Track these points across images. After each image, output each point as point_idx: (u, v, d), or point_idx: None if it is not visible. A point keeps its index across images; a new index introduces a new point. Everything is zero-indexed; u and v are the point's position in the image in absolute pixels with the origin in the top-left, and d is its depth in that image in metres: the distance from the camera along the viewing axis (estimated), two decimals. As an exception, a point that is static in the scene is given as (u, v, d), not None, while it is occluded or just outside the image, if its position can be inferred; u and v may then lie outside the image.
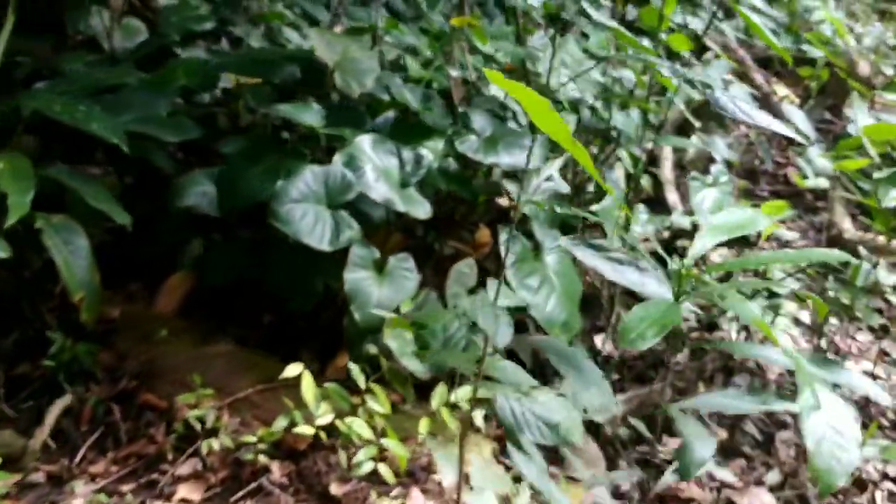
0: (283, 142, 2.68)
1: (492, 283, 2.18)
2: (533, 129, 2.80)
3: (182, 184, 2.56)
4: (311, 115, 2.41)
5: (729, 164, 4.17)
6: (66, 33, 4.17)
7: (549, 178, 1.38)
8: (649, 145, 2.95)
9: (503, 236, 1.98)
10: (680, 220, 3.20)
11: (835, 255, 1.54)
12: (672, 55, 3.17)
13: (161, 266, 2.99)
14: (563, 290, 2.19)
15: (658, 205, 3.57)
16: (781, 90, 4.80)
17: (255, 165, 2.34)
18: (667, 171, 3.81)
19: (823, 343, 2.77)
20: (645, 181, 3.64)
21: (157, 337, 2.63)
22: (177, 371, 2.50)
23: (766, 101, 4.72)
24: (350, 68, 2.67)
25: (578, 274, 2.34)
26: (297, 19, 4.14)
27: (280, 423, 2.07)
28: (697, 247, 0.96)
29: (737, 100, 1.31)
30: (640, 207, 3.19)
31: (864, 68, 4.66)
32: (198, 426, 2.21)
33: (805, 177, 3.59)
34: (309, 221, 2.13)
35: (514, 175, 2.59)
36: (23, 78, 3.91)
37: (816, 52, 5.16)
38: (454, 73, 3.46)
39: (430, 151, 2.49)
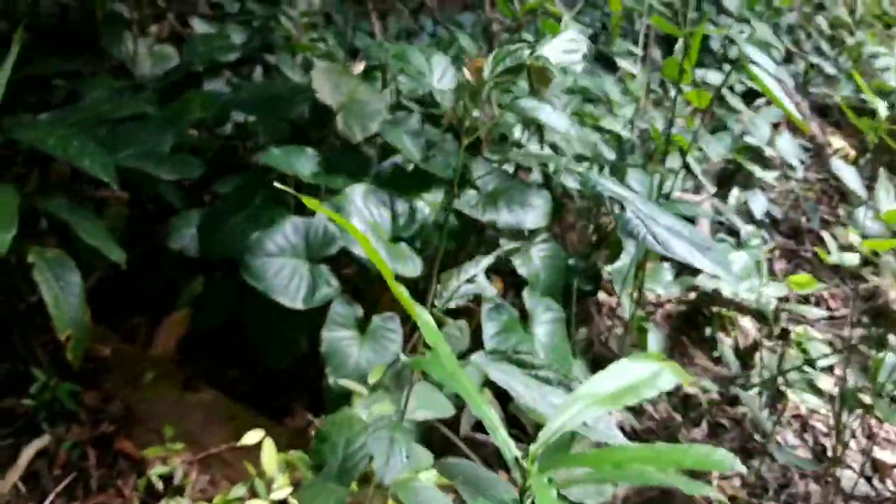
0: (282, 182, 2.58)
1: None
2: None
3: (175, 224, 2.50)
4: (302, 163, 2.31)
5: (772, 220, 3.93)
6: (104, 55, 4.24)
7: (470, 280, 1.22)
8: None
9: (486, 305, 1.83)
10: (706, 283, 2.99)
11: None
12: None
13: (164, 301, 2.95)
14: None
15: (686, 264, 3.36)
16: (837, 142, 4.52)
17: (239, 211, 2.25)
18: (703, 227, 3.59)
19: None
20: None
21: (144, 380, 2.57)
22: (157, 418, 2.42)
23: (819, 153, 4.45)
24: (355, 111, 2.57)
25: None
26: (333, 47, 4.09)
27: (237, 491, 1.95)
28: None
29: (657, 221, 1.11)
30: (665, 266, 2.99)
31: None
32: (162, 484, 2.12)
33: (828, 252, 3.31)
34: (284, 277, 2.03)
35: (519, 233, 2.44)
36: (58, 102, 3.98)
37: (880, 104, 4.86)
38: (475, 113, 3.34)
39: (428, 204, 2.37)
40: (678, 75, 2.35)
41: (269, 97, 2.79)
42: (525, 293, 2.15)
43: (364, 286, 2.52)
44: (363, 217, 2.22)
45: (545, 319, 2.13)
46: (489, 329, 1.98)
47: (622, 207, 1.02)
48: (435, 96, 2.54)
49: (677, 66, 2.37)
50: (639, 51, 3.08)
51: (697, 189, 3.89)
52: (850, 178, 3.61)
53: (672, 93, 2.66)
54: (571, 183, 1.92)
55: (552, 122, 1.79)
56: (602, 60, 5.09)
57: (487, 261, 1.33)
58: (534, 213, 2.34)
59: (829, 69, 5.46)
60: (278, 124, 2.87)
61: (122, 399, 2.54)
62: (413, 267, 2.20)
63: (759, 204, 3.49)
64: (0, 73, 2.51)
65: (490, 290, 1.87)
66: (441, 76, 2.25)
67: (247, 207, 2.28)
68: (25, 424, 2.51)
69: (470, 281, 1.29)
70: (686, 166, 3.38)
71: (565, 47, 1.75)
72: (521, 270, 2.27)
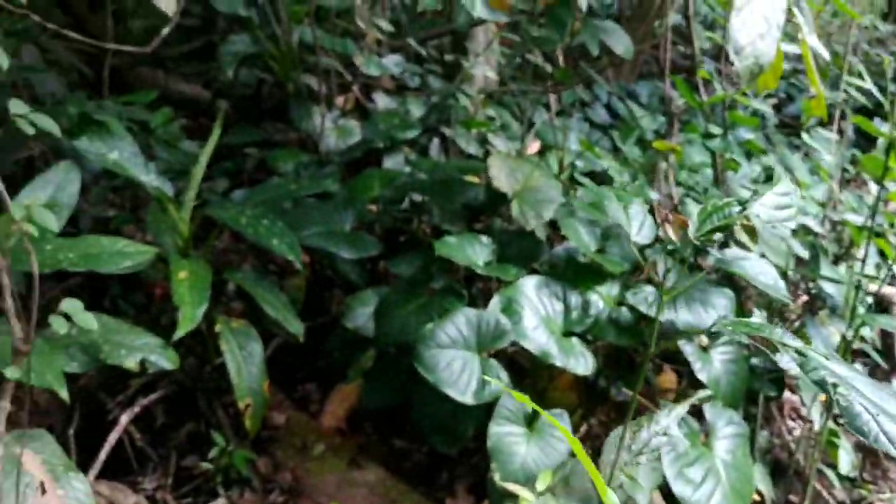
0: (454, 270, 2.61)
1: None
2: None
3: (351, 304, 2.57)
4: (476, 252, 2.32)
5: None
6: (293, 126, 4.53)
7: (663, 433, 1.13)
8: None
9: (663, 418, 1.73)
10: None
11: None
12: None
13: (336, 371, 3.05)
14: (732, 487, 1.87)
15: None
16: None
17: (412, 300, 2.29)
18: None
19: None
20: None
21: (313, 451, 2.65)
22: (323, 492, 2.48)
23: None
24: (530, 198, 2.56)
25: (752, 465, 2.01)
26: (506, 129, 4.14)
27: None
28: None
29: (891, 414, 0.94)
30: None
31: None
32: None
33: None
34: (455, 369, 2.02)
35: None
36: (250, 168, 4.28)
37: None
38: (654, 195, 3.25)
39: (602, 297, 2.30)
40: (881, 173, 2.17)
41: (445, 180, 2.84)
42: (706, 407, 2.01)
43: (531, 371, 2.48)
44: (535, 310, 2.18)
45: (727, 434, 1.98)
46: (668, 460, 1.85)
47: (837, 387, 0.91)
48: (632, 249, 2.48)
49: (880, 163, 2.19)
50: (832, 135, 2.88)
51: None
52: None
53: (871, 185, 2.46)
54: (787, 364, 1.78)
55: (756, 275, 1.69)
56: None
57: (680, 411, 1.25)
58: (716, 314, 2.21)
59: None
60: (452, 205, 2.91)
61: (292, 469, 2.62)
62: (585, 364, 2.14)
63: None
64: (202, 152, 2.72)
65: (682, 443, 1.75)
66: (639, 228, 2.20)
67: (421, 295, 2.32)
68: (203, 486, 2.66)
69: (662, 433, 1.21)
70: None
71: (777, 202, 1.65)
72: (701, 375, 2.14)
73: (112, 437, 2.65)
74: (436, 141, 4.07)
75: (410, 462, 2.86)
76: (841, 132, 3.04)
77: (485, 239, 2.39)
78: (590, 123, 4.85)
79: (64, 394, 1.89)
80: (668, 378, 2.90)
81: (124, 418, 2.67)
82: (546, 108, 4.86)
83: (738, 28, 1.52)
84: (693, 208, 3.21)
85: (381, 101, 4.29)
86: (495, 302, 2.17)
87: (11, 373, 1.52)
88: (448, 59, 4.31)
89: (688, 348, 2.19)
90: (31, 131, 1.49)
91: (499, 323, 2.10)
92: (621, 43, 2.44)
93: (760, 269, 1.70)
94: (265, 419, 2.68)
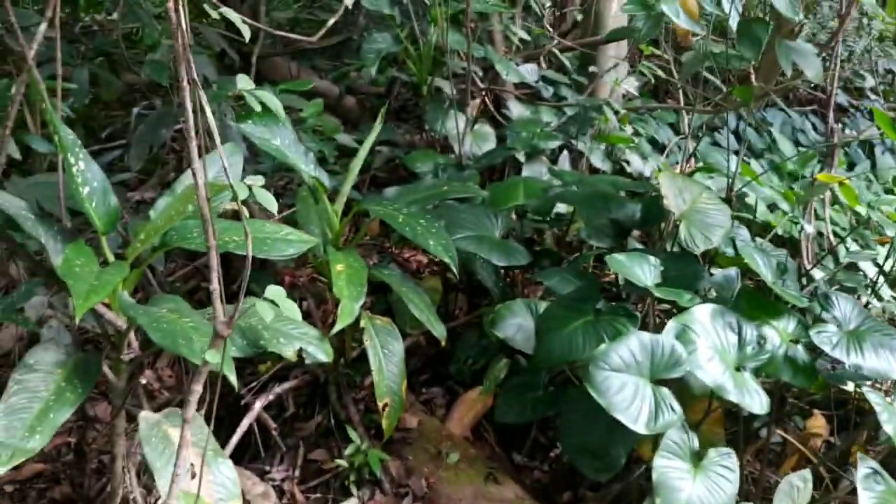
0: (606, 289, 2.52)
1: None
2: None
3: (501, 312, 2.50)
4: (645, 271, 2.21)
5: None
6: (423, 127, 4.51)
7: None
8: None
9: (862, 471, 1.59)
10: None
11: None
12: None
13: (468, 376, 2.99)
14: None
15: None
16: None
17: (576, 317, 2.20)
18: None
19: None
20: None
21: (447, 459, 2.58)
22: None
23: None
24: (697, 220, 2.45)
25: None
26: (639, 143, 4.03)
27: None
28: None
29: None
30: None
31: None
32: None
33: None
34: (627, 396, 1.92)
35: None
36: (379, 166, 4.28)
37: None
38: (808, 227, 3.09)
39: (777, 333, 2.17)
40: None
41: (600, 195, 2.75)
42: (904, 461, 1.87)
43: (685, 402, 2.36)
44: (711, 340, 2.07)
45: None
46: (865, 499, 1.73)
47: None
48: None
49: None
50: None
51: None
52: None
53: None
54: None
55: None
56: None
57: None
58: (904, 361, 2.06)
59: None
60: (601, 220, 2.81)
61: (426, 476, 2.56)
62: (760, 403, 2.01)
63: None
64: (362, 147, 2.70)
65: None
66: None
67: (586, 312, 2.23)
68: (332, 482, 2.62)
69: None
70: None
71: None
72: (888, 427, 1.99)
73: (245, 423, 2.65)
74: (565, 153, 3.99)
75: (530, 479, 2.78)
76: None
77: (653, 259, 2.28)
78: (717, 146, 4.70)
79: (233, 378, 1.87)
80: (818, 423, 2.74)
81: (258, 404, 2.66)
82: (675, 131, 4.73)
83: None
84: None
85: (516, 109, 4.23)
86: (671, 328, 2.06)
87: (211, 356, 1.50)
88: (591, 69, 4.20)
89: (873, 397, 2.04)
90: (257, 108, 1.47)
91: (674, 350, 2.00)
92: (813, 66, 2.31)
93: None
94: (398, 421, 2.63)
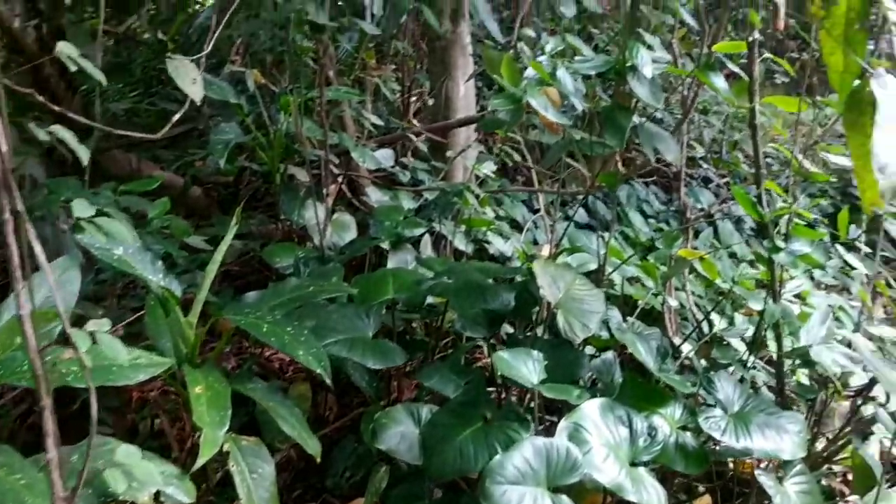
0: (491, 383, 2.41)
1: None
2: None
3: (381, 421, 2.32)
4: (530, 368, 2.12)
5: None
6: (278, 216, 4.30)
7: None
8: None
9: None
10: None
11: None
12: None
13: (346, 489, 2.76)
14: None
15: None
16: None
17: (463, 427, 2.06)
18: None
19: None
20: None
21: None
22: None
23: None
24: (574, 308, 2.40)
25: None
26: (499, 226, 4.03)
27: None
28: None
29: None
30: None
31: None
32: None
33: None
34: (526, 509, 1.80)
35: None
36: (233, 260, 4.02)
37: None
38: (672, 301, 3.14)
39: (666, 422, 2.13)
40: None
41: (473, 286, 2.66)
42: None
43: (581, 495, 2.26)
44: (604, 437, 1.99)
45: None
46: None
47: None
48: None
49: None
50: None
51: None
52: None
53: None
54: None
55: None
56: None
57: None
58: (790, 440, 2.06)
59: None
60: (475, 310, 2.72)
61: None
62: (658, 498, 1.94)
63: None
64: (218, 249, 2.48)
65: None
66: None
67: (475, 418, 2.10)
68: None
69: None
70: None
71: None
72: None
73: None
74: (427, 237, 3.92)
75: None
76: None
77: (535, 353, 2.20)
78: (569, 220, 4.79)
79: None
80: (704, 501, 2.72)
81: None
82: (526, 205, 4.79)
83: (882, 144, 1.43)
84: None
85: (374, 194, 4.13)
86: (563, 428, 1.96)
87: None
88: (448, 153, 4.19)
89: (765, 479, 2.03)
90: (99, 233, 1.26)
91: (569, 454, 1.90)
92: (672, 150, 2.36)
93: None
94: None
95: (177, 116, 2.56)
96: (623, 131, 2.17)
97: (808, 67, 2.69)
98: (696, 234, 5.06)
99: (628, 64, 2.11)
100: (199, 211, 4.57)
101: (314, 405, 3.11)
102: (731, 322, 3.27)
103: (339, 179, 4.18)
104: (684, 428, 2.17)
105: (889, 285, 4.94)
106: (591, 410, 2.04)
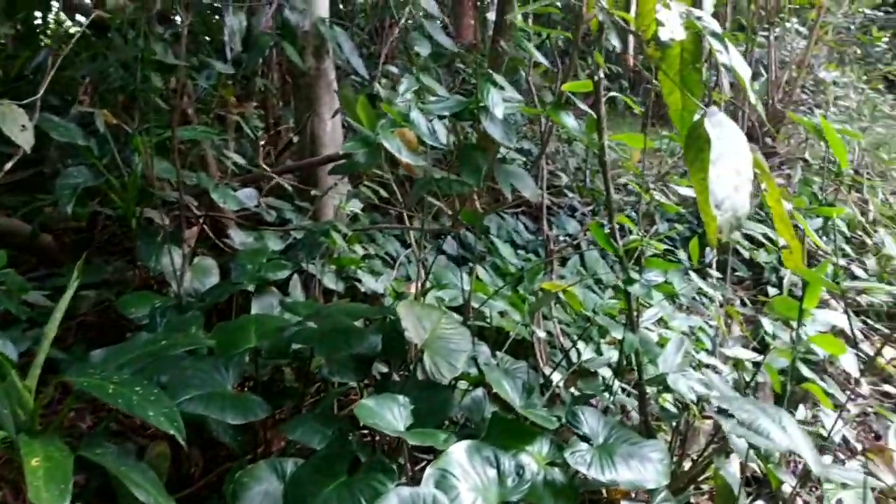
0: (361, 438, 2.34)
1: None
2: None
3: (242, 480, 2.20)
4: (395, 414, 2.07)
5: (845, 441, 3.70)
6: (136, 262, 4.08)
7: None
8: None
9: None
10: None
11: None
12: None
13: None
14: None
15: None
16: (889, 351, 4.38)
17: (327, 481, 1.98)
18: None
19: None
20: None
21: None
22: None
23: (872, 363, 4.31)
24: (440, 348, 2.38)
25: None
26: (368, 265, 3.97)
27: None
28: None
29: None
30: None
31: None
32: None
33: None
34: (394, 563, 1.73)
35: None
36: (85, 311, 3.77)
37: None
38: (541, 334, 3.17)
39: (534, 459, 2.12)
40: (798, 315, 2.20)
41: (339, 330, 2.59)
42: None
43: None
44: (471, 481, 1.96)
45: None
46: None
47: None
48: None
49: (793, 305, 2.23)
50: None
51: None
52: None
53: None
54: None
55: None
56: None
57: None
58: (654, 469, 2.10)
59: (858, 271, 5.45)
60: (343, 355, 2.65)
61: None
62: (530, 539, 1.92)
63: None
64: (57, 307, 2.31)
65: None
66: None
67: (340, 472, 2.01)
68: None
69: None
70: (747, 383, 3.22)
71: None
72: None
73: None
74: (296, 277, 3.81)
75: None
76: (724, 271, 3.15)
77: (401, 399, 2.15)
78: (442, 254, 4.80)
79: None
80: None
81: None
82: (398, 239, 4.77)
83: (715, 181, 1.48)
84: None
85: (238, 236, 3.99)
86: (430, 476, 1.92)
87: None
88: (313, 193, 4.11)
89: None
90: None
91: (436, 502, 1.85)
92: (529, 187, 2.38)
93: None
94: None
95: (9, 164, 2.39)
96: (479, 170, 2.18)
97: (650, 102, 2.80)
98: (564, 262, 5.18)
99: (481, 105, 2.12)
100: (51, 258, 4.27)
101: (178, 462, 2.93)
102: (598, 350, 3.34)
103: (201, 221, 4.02)
104: (553, 464, 2.16)
105: (744, 303, 5.22)
106: (458, 454, 2.00)
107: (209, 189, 3.63)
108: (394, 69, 4.33)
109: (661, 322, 3.83)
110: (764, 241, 5.30)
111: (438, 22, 4.24)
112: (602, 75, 2.10)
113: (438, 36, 3.17)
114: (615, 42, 1.94)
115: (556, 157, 7.56)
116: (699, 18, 1.55)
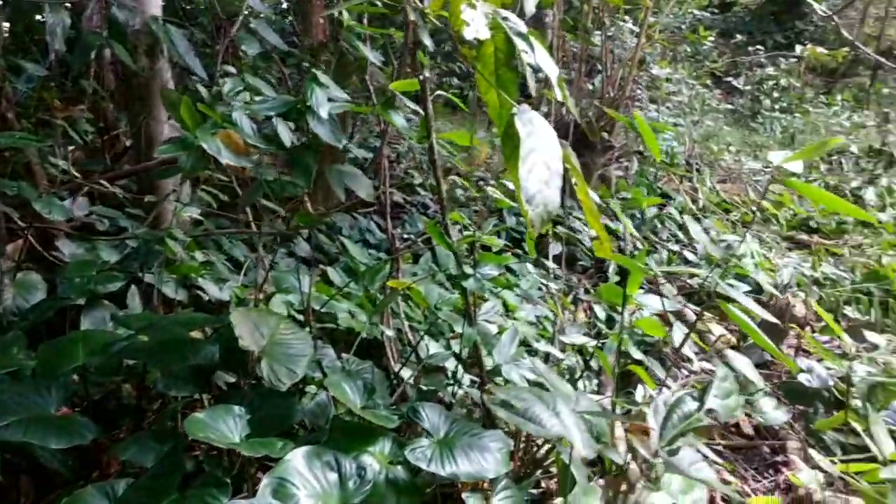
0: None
1: None
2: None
3: (70, 505, 2.07)
4: (231, 426, 2.01)
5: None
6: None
7: None
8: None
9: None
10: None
11: None
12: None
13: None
14: None
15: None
16: (717, 328, 4.70)
17: (159, 497, 1.89)
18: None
19: None
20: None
21: None
22: None
23: (703, 342, 4.60)
24: (279, 354, 2.33)
25: None
26: (212, 271, 3.85)
27: None
28: None
29: None
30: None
31: (799, 308, 4.64)
32: None
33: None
34: (228, 580, 1.68)
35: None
36: None
37: (742, 287, 5.19)
38: (389, 332, 3.18)
39: (376, 459, 2.12)
40: (622, 301, 2.32)
41: (171, 341, 2.48)
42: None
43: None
44: (311, 488, 1.92)
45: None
46: None
47: None
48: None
49: (618, 292, 2.34)
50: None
51: (600, 387, 3.86)
52: (744, 366, 3.69)
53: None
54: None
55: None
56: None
57: None
58: (493, 459, 2.14)
59: (689, 255, 5.81)
60: (178, 368, 2.55)
61: None
62: (372, 540, 1.92)
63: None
64: None
65: None
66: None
67: (170, 491, 1.92)
68: None
69: None
70: (588, 367, 3.37)
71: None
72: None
73: None
74: (134, 289, 3.63)
75: None
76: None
77: (237, 409, 2.09)
78: (295, 258, 4.73)
79: None
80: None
81: None
82: (246, 244, 4.64)
83: (526, 177, 1.52)
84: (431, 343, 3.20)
85: (67, 248, 3.75)
86: (266, 485, 1.87)
87: None
88: (147, 198, 3.93)
89: (472, 500, 2.09)
90: None
91: (274, 510, 1.81)
92: (363, 186, 2.37)
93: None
94: None
95: None
96: (310, 171, 2.15)
97: (475, 99, 2.86)
98: (417, 259, 5.22)
99: (308, 104, 2.09)
100: None
101: (4, 492, 2.73)
102: (448, 345, 3.38)
103: (26, 234, 3.75)
104: (396, 462, 2.17)
105: (588, 291, 5.44)
106: (296, 461, 1.97)
107: (31, 200, 3.38)
108: (232, 69, 4.21)
109: (509, 312, 3.94)
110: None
111: (286, 19, 4.15)
112: (427, 75, 2.13)
113: (268, 35, 3.09)
114: (427, 42, 1.96)
115: (408, 154, 7.62)
116: (505, 19, 1.59)
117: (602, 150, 6.01)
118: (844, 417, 3.25)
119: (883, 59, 7.32)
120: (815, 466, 3.18)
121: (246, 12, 3.62)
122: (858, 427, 2.80)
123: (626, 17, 8.51)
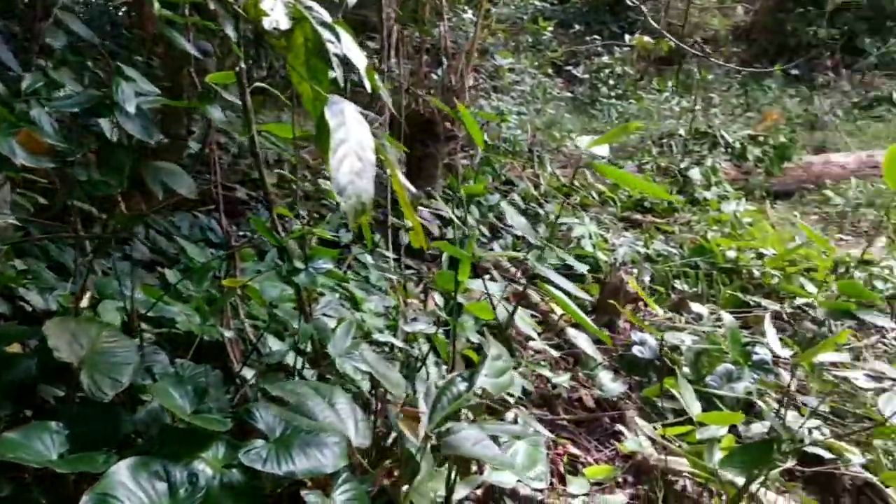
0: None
1: None
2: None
3: None
4: (48, 443, 1.89)
5: (525, 393, 4.06)
6: None
7: None
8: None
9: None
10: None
11: None
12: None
13: None
14: None
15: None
16: (559, 308, 4.88)
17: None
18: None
19: None
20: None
21: None
22: None
23: (546, 321, 4.78)
24: (100, 364, 2.21)
25: None
26: (37, 280, 3.60)
27: None
28: None
29: None
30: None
31: (633, 285, 4.90)
32: None
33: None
34: None
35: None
36: None
37: (581, 267, 5.42)
38: (228, 333, 3.10)
39: (208, 465, 2.05)
40: (454, 286, 2.36)
41: (-19, 356, 2.31)
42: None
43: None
44: (137, 499, 1.84)
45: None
46: None
47: None
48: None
49: (451, 278, 2.38)
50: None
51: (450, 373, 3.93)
52: (583, 342, 3.86)
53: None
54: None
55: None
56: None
57: None
58: (331, 453, 2.13)
59: (532, 240, 5.99)
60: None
61: None
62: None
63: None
64: None
65: None
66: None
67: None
68: None
69: None
70: (437, 353, 3.43)
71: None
72: (332, 525, 2.02)
73: None
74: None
75: None
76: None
77: (54, 425, 1.97)
78: (131, 261, 4.50)
79: None
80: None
81: None
82: (77, 248, 4.37)
83: (337, 168, 1.51)
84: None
85: None
86: (86, 502, 1.77)
87: None
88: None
89: (312, 498, 2.06)
90: None
91: (95, 529, 1.72)
92: (184, 184, 2.29)
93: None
94: None
95: None
96: (122, 170, 2.04)
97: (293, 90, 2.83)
98: (263, 256, 5.11)
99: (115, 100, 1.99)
100: None
101: None
102: (296, 343, 3.33)
103: None
104: (232, 466, 2.11)
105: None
106: (121, 474, 1.87)
107: None
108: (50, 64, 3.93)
109: (355, 304, 3.93)
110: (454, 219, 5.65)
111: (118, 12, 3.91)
112: (243, 66, 2.07)
113: (76, 26, 2.92)
114: (230, 31, 1.91)
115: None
116: (309, 8, 1.57)
117: (446, 140, 6.09)
118: (663, 385, 3.47)
119: (686, 47, 7.82)
120: (641, 433, 3.38)
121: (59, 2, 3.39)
122: (675, 392, 2.99)
123: (466, 8, 8.65)
